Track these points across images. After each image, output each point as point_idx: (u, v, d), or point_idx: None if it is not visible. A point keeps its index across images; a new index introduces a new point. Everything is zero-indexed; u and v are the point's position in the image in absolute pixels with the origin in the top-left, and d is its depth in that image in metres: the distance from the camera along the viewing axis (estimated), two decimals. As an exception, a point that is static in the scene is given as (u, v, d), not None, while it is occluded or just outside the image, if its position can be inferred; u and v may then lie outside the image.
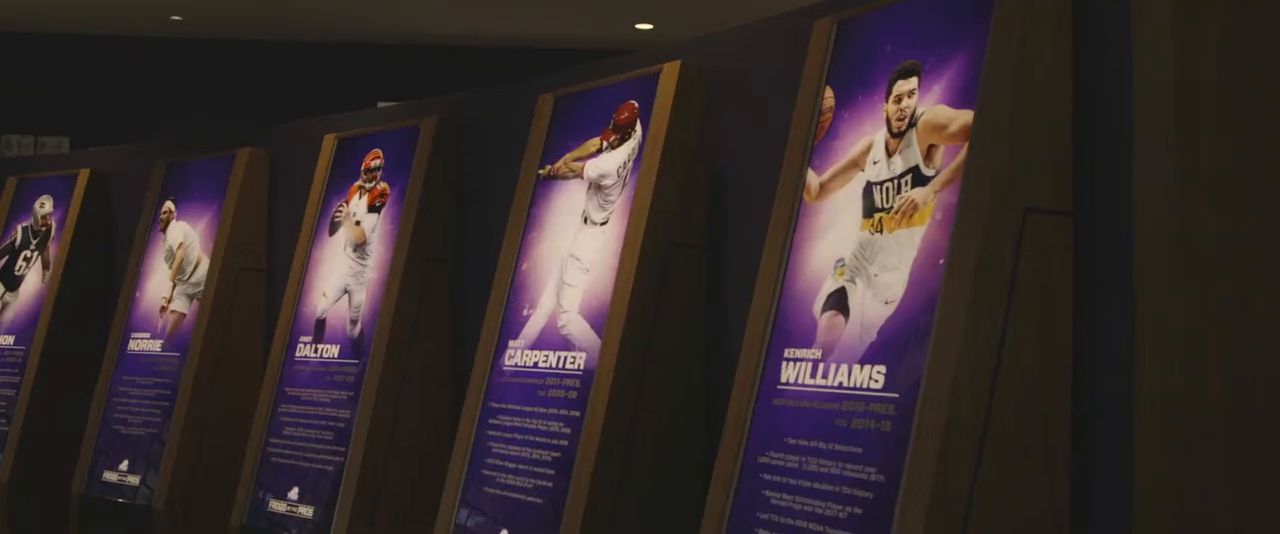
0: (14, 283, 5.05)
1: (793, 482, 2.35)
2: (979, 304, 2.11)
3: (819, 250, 2.49)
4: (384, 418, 3.60)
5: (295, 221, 4.25)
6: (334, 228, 3.99)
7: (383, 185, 3.87)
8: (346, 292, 3.84)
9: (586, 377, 2.98)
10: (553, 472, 2.97)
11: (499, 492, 3.10)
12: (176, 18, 8.32)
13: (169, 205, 4.62)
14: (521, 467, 3.06)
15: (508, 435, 3.14)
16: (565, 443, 2.97)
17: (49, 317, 4.84)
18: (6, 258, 5.12)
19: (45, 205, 5.08)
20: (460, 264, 3.77)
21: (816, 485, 2.29)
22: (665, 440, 2.96)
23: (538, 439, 3.04)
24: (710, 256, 3.06)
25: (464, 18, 9.74)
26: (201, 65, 8.02)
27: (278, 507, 3.77)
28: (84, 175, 4.98)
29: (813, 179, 2.56)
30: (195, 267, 4.44)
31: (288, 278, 4.12)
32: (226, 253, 4.35)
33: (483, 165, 3.80)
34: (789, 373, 2.45)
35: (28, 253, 5.06)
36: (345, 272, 3.87)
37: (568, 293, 3.12)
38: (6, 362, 4.91)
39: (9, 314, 5.02)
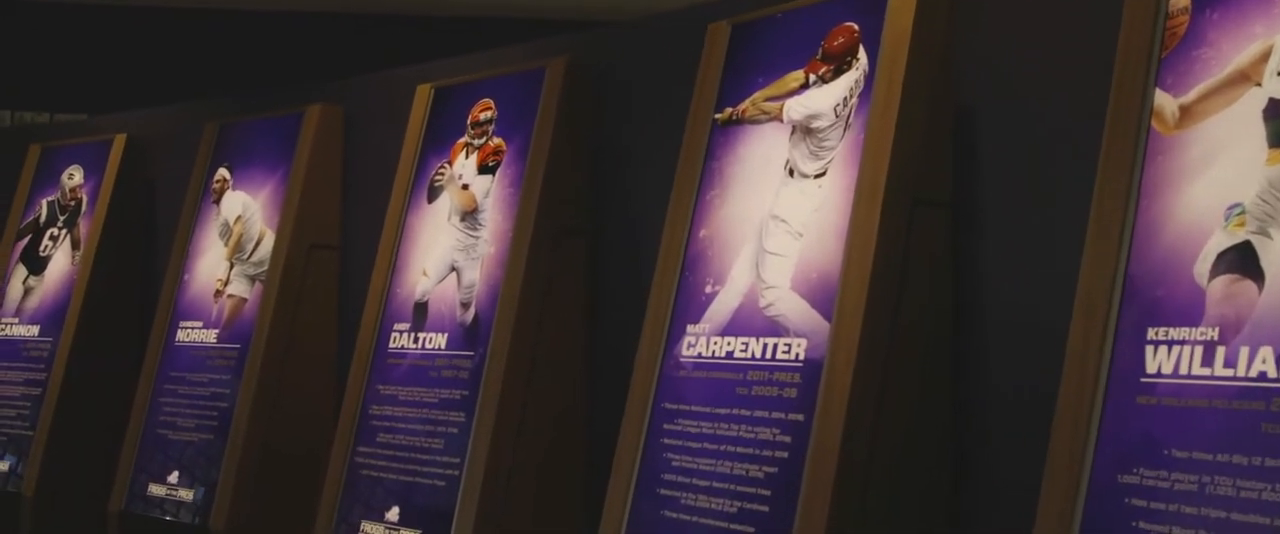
0: (39, 265, 4.37)
1: (1187, 511, 1.68)
2: None
3: (1193, 196, 1.83)
4: (507, 423, 2.93)
5: (377, 188, 3.59)
6: (433, 194, 3.32)
7: (496, 141, 3.20)
8: (454, 269, 3.17)
9: (809, 369, 2.31)
10: (769, 492, 2.30)
11: (687, 516, 2.44)
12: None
13: (223, 173, 3.95)
14: (719, 485, 2.40)
15: (694, 445, 2.48)
16: (784, 455, 2.30)
17: (80, 304, 4.16)
18: (30, 237, 4.44)
19: (74, 176, 4.40)
20: (600, 234, 3.10)
21: (1233, 516, 1.63)
22: (917, 452, 2.31)
23: (742, 450, 2.38)
24: (958, 216, 2.41)
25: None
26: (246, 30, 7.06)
27: (372, 530, 3.09)
28: (119, 141, 4.31)
29: (1166, 102, 1.90)
30: (256, 243, 3.77)
31: (369, 255, 3.46)
32: (295, 227, 3.68)
33: (624, 114, 3.13)
34: (1159, 360, 1.78)
35: (55, 231, 4.38)
36: (451, 245, 3.20)
37: (772, 264, 2.46)
38: (30, 356, 4.23)
39: (33, 301, 4.34)
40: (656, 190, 3.00)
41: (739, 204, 2.59)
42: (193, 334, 3.84)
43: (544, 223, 3.01)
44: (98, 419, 4.10)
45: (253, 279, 3.73)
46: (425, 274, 3.24)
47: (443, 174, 3.31)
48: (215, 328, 3.78)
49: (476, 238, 3.15)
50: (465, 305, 3.11)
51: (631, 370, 2.92)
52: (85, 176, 4.37)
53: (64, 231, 4.34)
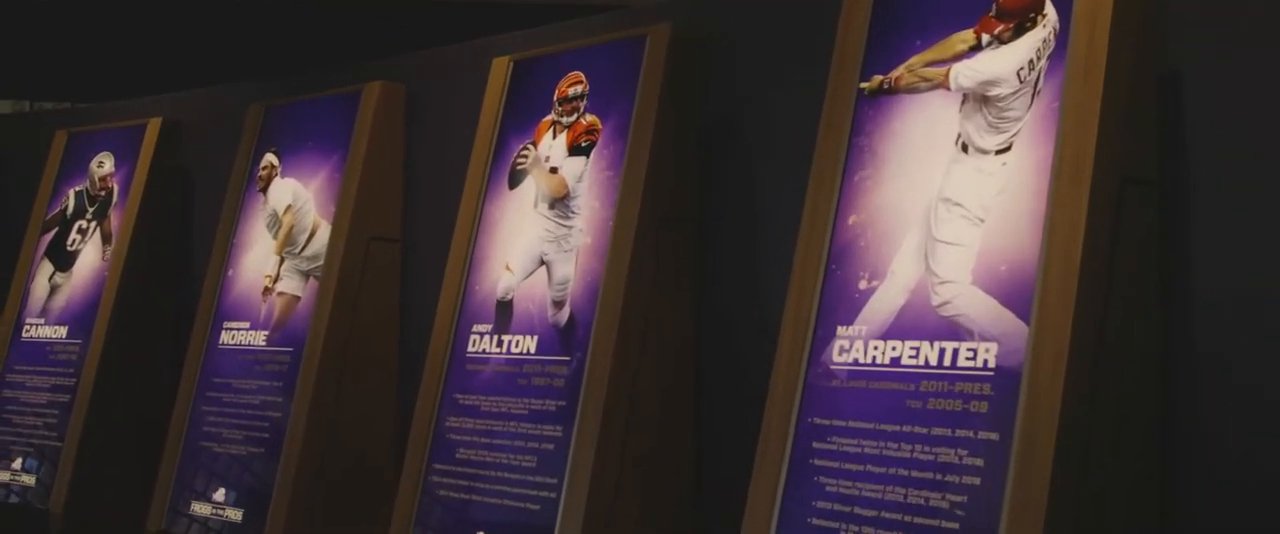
0: (66, 261, 4.01)
1: None
2: None
3: None
4: (612, 438, 2.57)
5: (445, 174, 3.24)
6: (516, 178, 2.95)
7: (589, 119, 2.84)
8: (544, 263, 2.81)
9: (1003, 379, 1.95)
10: (956, 525, 1.94)
11: (849, 552, 2.08)
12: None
13: (270, 159, 3.58)
14: (891, 516, 2.03)
15: (854, 467, 2.11)
16: (974, 481, 1.94)
17: (112, 303, 3.80)
18: (56, 230, 4.08)
19: (104, 164, 4.03)
20: (709, 222, 2.74)
21: None
22: (1128, 472, 1.94)
23: (918, 474, 2.01)
24: (1166, 195, 2.04)
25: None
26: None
27: (453, 558, 2.74)
28: (154, 126, 3.94)
29: None
30: (309, 236, 3.41)
31: (436, 248, 3.11)
32: (353, 218, 3.31)
33: (731, 85, 2.77)
34: None
35: (83, 223, 4.02)
36: (539, 236, 2.84)
37: (947, 255, 2.10)
38: (58, 359, 3.87)
39: (60, 300, 3.98)
40: (775, 172, 2.65)
41: (897, 186, 2.23)
42: (238, 336, 3.47)
43: (650, 210, 2.65)
44: (132, 429, 3.74)
45: (306, 275, 3.37)
46: (509, 269, 2.88)
47: (526, 156, 2.94)
48: (264, 329, 3.41)
49: (569, 227, 2.78)
50: (558, 304, 2.74)
51: (748, 377, 2.58)
52: (116, 164, 4.00)
53: (93, 224, 3.98)
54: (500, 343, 2.84)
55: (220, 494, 3.33)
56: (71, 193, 4.08)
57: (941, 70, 2.21)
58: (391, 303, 3.37)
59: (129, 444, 3.74)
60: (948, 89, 2.19)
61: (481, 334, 2.88)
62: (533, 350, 2.76)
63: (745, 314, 2.66)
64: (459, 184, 3.08)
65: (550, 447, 2.64)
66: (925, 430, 2.03)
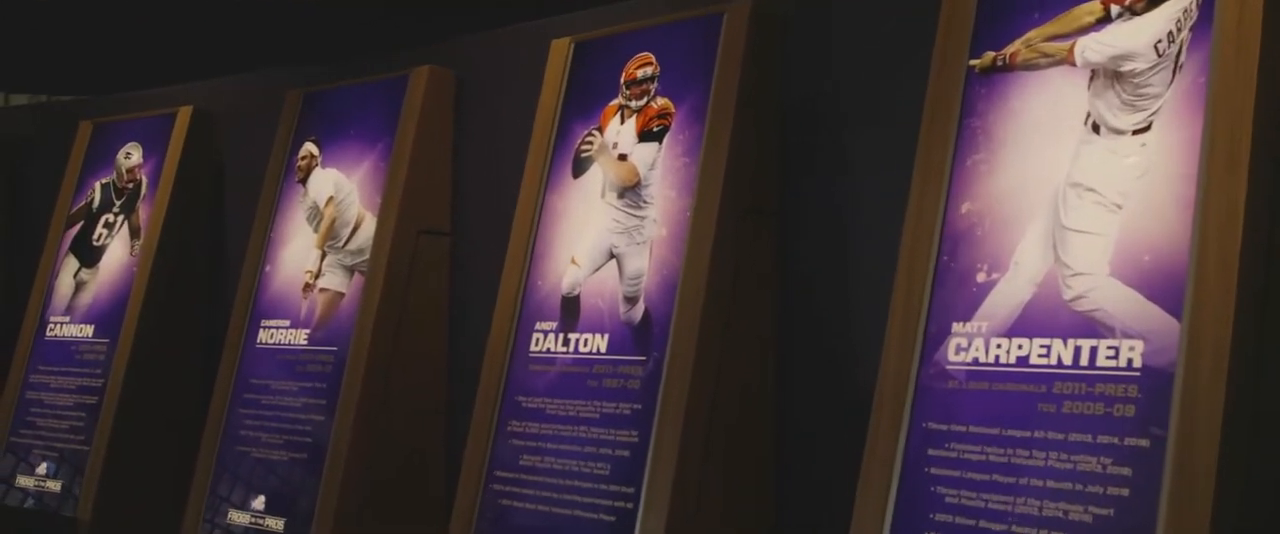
0: (92, 256, 3.83)
1: None
2: None
3: None
4: (694, 445, 2.39)
5: (499, 163, 3.08)
6: (581, 166, 2.78)
7: (661, 102, 2.66)
8: (614, 256, 2.63)
9: (1152, 380, 1.78)
10: (1103, 541, 1.77)
11: (974, 569, 1.90)
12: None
13: (310, 148, 3.41)
14: (1022, 530, 1.85)
15: (979, 476, 1.93)
16: (1123, 492, 1.76)
17: (140, 300, 3.62)
18: (82, 224, 3.90)
19: (132, 155, 3.86)
20: (791, 211, 2.56)
21: None
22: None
23: (1058, 484, 1.84)
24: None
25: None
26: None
27: (518, 571, 2.56)
28: (184, 115, 3.76)
29: None
30: (353, 229, 3.23)
31: (490, 241, 2.94)
32: (400, 209, 3.13)
33: (817, 65, 2.59)
34: None
35: (110, 217, 3.84)
36: (608, 228, 2.67)
37: (1080, 244, 1.92)
38: (85, 359, 3.69)
39: (86, 297, 3.80)
40: (865, 157, 2.48)
41: (1018, 170, 2.05)
42: (278, 335, 3.30)
43: (731, 200, 2.47)
44: (163, 433, 3.57)
45: (350, 271, 3.19)
46: (575, 263, 2.70)
47: (592, 143, 2.77)
48: (305, 327, 3.24)
49: (641, 218, 2.61)
50: (631, 300, 2.57)
51: (834, 377, 2.41)
52: (145, 155, 3.83)
53: (121, 218, 3.80)
54: (567, 342, 2.66)
55: (259, 502, 3.15)
56: (97, 185, 3.90)
57: (1065, 45, 2.03)
58: (440, 298, 3.19)
59: (160, 449, 3.56)
60: (1072, 65, 2.02)
61: (546, 332, 2.71)
62: (603, 350, 2.58)
63: (832, 310, 2.49)
64: (513, 174, 2.91)
65: (625, 453, 2.46)
66: (1061, 436, 1.85)
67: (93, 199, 3.89)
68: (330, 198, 3.30)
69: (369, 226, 3.17)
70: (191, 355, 3.67)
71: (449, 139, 3.23)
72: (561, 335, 2.68)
